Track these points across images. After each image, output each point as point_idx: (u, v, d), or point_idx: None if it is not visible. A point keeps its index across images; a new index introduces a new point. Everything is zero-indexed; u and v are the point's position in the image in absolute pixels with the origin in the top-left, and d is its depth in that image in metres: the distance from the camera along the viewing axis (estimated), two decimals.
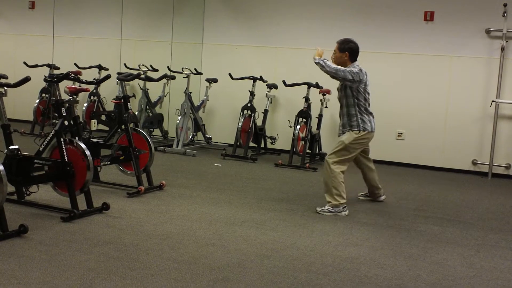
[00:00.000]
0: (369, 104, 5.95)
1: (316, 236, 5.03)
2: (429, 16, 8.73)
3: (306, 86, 8.68)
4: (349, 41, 5.96)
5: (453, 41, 8.67)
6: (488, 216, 6.20)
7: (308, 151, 8.65)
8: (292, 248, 4.68)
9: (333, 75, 5.77)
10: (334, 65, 5.79)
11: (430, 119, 8.86)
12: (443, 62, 8.74)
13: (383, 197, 6.57)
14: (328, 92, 8.88)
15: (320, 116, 8.90)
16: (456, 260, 4.65)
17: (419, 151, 8.96)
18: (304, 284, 3.92)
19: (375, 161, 9.03)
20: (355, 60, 5.94)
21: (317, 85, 8.75)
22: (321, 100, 8.86)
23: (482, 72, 8.59)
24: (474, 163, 8.72)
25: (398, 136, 9.05)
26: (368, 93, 5.95)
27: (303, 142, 8.49)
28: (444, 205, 6.59)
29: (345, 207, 5.81)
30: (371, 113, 5.97)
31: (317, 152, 8.91)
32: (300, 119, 8.55)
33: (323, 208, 5.82)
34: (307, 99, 8.60)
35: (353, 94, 5.85)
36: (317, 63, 5.80)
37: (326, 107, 8.91)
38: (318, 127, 8.89)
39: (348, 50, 5.89)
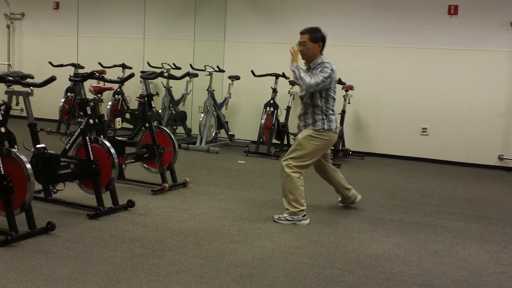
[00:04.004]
0: (334, 104, 5.33)
1: (340, 233, 5.02)
2: (453, 10, 8.64)
3: None
4: (319, 29, 5.29)
5: (478, 34, 8.57)
6: None
7: (331, 147, 8.61)
8: (316, 244, 4.67)
9: (309, 89, 5.13)
10: (307, 79, 5.11)
11: (455, 114, 8.77)
12: (467, 56, 8.65)
13: (359, 197, 5.85)
14: (351, 88, 8.85)
15: (343, 112, 8.86)
16: (482, 256, 4.60)
17: (444, 147, 8.87)
18: (328, 281, 3.92)
19: (399, 157, 9.04)
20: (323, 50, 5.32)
21: (340, 81, 8.71)
22: (344, 96, 8.83)
23: (507, 66, 8.47)
24: (500, 158, 8.61)
25: (422, 131, 8.98)
26: (335, 92, 5.32)
27: None
28: (470, 201, 6.53)
29: (305, 215, 5.19)
30: (335, 113, 5.34)
31: (340, 148, 8.88)
32: None
33: (281, 216, 5.22)
34: None
35: (321, 95, 5.22)
36: (293, 75, 5.20)
37: (349, 103, 8.89)
38: (341, 123, 8.85)
39: (321, 40, 5.26)
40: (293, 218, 5.19)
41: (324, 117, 5.24)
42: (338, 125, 5.41)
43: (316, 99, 5.22)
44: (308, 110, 5.28)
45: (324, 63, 5.23)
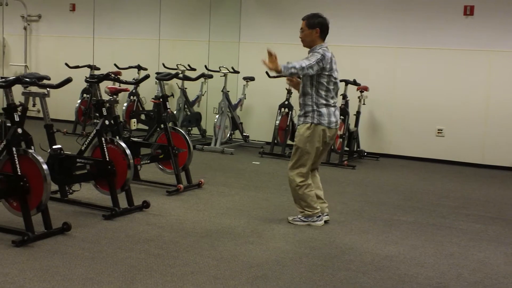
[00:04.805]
0: (332, 96, 5.06)
1: (355, 234, 5.01)
2: (469, 11, 8.58)
3: (343, 83, 8.63)
4: (319, 15, 5.11)
5: (494, 35, 8.50)
6: None
7: (346, 148, 8.60)
8: (330, 246, 4.66)
9: (302, 72, 4.92)
10: (299, 64, 4.90)
11: (471, 115, 8.71)
12: (483, 57, 8.58)
13: (326, 217, 5.29)
14: (366, 89, 8.82)
15: (358, 113, 8.84)
16: (499, 258, 4.56)
17: (460, 148, 8.82)
18: (343, 282, 3.91)
19: (415, 158, 8.99)
20: (324, 38, 5.12)
21: (354, 82, 8.70)
22: (359, 97, 8.81)
23: None
24: None
25: (438, 132, 8.93)
26: (334, 83, 5.05)
27: (341, 140, 8.44)
28: (486, 203, 6.48)
29: (319, 216, 5.15)
30: (333, 106, 5.07)
31: (355, 149, 8.86)
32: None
33: (295, 217, 5.20)
34: (344, 96, 8.55)
35: (312, 83, 5.01)
36: (290, 74, 4.97)
37: (364, 104, 8.85)
38: (356, 125, 8.84)
39: (318, 26, 5.04)
40: (307, 219, 5.17)
41: (315, 108, 5.00)
42: (335, 119, 5.08)
43: (306, 87, 5.04)
44: (300, 99, 5.10)
45: (316, 48, 5.03)
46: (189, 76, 8.69)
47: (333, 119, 5.06)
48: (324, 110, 5.01)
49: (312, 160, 5.12)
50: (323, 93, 5.01)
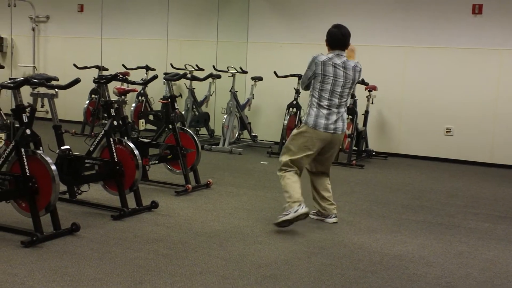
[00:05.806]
0: (329, 99, 5.01)
1: (363, 234, 5.00)
2: (477, 9, 8.55)
3: None
4: (332, 27, 5.17)
5: (503, 34, 8.46)
6: None
7: (354, 148, 8.58)
8: (339, 245, 4.66)
9: (303, 85, 5.28)
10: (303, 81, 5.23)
11: (480, 114, 8.67)
12: (492, 55, 8.55)
13: (334, 218, 5.32)
14: (374, 88, 8.80)
15: (366, 113, 8.83)
16: (508, 257, 4.54)
17: (468, 147, 8.78)
18: (351, 282, 3.90)
19: (423, 158, 8.96)
20: (335, 48, 5.09)
21: (363, 82, 8.67)
22: (367, 96, 8.79)
23: None
24: None
25: (446, 131, 8.90)
26: (332, 85, 5.00)
27: (349, 139, 8.42)
28: (494, 202, 6.45)
29: (300, 204, 4.92)
30: (326, 108, 5.03)
31: (363, 149, 8.84)
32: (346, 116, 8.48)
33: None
34: (353, 95, 8.53)
35: (308, 85, 5.17)
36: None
37: (372, 103, 8.84)
38: (365, 124, 8.82)
39: (326, 37, 5.15)
40: (289, 212, 4.94)
41: (309, 109, 5.11)
42: (324, 122, 5.02)
43: (310, 90, 5.19)
44: None
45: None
46: (197, 76, 8.69)
47: (321, 121, 5.04)
48: (313, 111, 5.08)
49: (298, 156, 5.10)
50: (316, 93, 5.07)
